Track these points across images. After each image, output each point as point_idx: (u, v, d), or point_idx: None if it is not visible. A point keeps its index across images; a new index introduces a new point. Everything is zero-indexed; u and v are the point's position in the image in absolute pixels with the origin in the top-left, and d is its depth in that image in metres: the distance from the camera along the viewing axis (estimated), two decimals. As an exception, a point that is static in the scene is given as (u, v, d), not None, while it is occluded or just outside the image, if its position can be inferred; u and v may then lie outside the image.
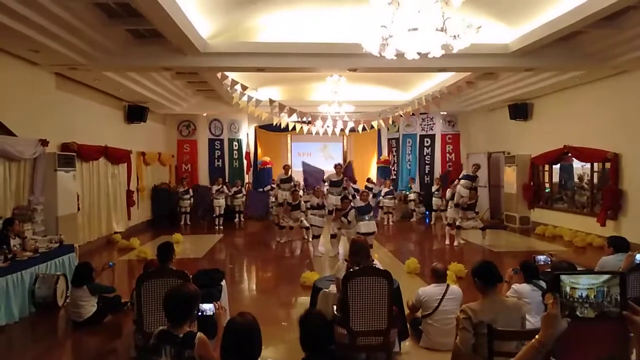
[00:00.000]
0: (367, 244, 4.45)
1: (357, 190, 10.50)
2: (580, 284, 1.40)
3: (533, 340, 1.49)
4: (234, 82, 10.12)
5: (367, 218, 9.07)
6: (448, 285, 4.87)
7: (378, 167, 17.48)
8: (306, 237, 11.14)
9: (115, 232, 11.51)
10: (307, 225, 10.60)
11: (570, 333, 1.40)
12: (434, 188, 14.83)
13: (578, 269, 3.43)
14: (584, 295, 1.40)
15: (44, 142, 8.10)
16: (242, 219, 14.91)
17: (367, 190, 10.08)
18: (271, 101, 11.21)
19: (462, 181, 10.64)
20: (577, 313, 1.40)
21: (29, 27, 6.23)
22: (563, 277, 1.42)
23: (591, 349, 1.29)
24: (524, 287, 4.21)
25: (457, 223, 10.45)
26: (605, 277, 1.41)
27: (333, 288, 4.58)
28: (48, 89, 8.76)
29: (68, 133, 9.32)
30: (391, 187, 14.83)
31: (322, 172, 12.87)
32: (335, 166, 10.81)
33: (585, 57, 8.59)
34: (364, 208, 9.11)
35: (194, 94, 13.41)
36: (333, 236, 9.55)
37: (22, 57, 7.70)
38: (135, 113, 12.53)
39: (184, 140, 16.44)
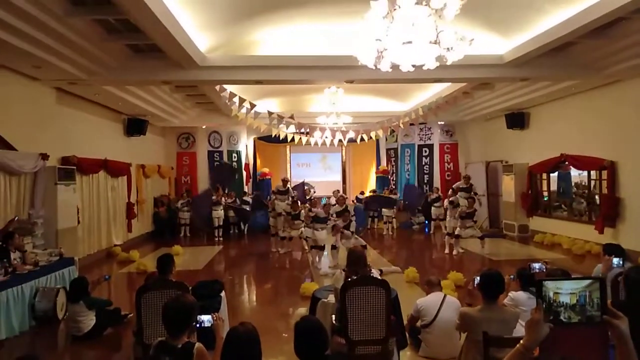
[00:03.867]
0: (364, 254, 4.49)
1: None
2: (563, 289, 1.45)
3: (518, 345, 1.53)
4: (233, 95, 10.22)
5: (320, 229, 9.70)
6: (445, 295, 4.92)
7: (377, 177, 17.55)
8: (306, 248, 11.16)
9: (115, 245, 11.53)
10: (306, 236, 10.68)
11: (553, 337, 1.45)
12: (434, 196, 14.93)
13: (572, 276, 3.49)
14: (567, 300, 1.45)
15: (45, 156, 8.16)
16: (237, 230, 14.98)
17: (343, 197, 10.57)
18: (271, 119, 11.36)
19: (460, 192, 10.76)
20: (561, 318, 1.45)
21: (30, 44, 6.34)
22: (546, 282, 1.47)
23: (572, 353, 1.33)
24: (521, 295, 4.26)
25: (456, 232, 10.50)
26: (587, 282, 1.45)
27: (332, 298, 4.60)
28: (48, 103, 8.86)
29: (68, 147, 9.40)
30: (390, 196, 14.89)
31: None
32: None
33: (578, 67, 8.69)
34: (321, 219, 9.75)
35: (193, 107, 13.52)
36: (334, 247, 9.65)
37: (23, 72, 7.80)
38: (135, 126, 12.62)
39: (184, 152, 16.52)
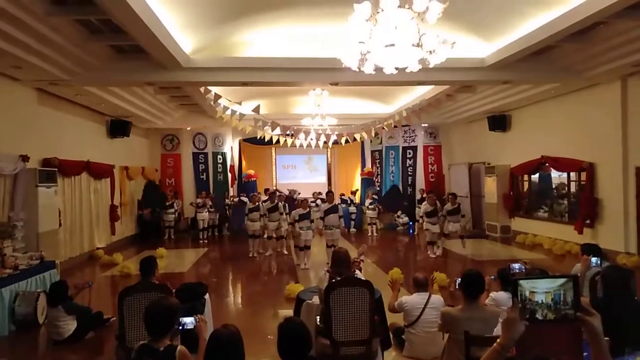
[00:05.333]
0: (349, 255, 4.51)
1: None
2: (538, 288, 1.49)
3: (495, 344, 1.56)
4: (217, 97, 10.18)
5: (305, 228, 9.69)
6: (430, 295, 4.96)
7: (362, 179, 17.64)
8: (295, 257, 10.93)
9: (98, 248, 11.38)
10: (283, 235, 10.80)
11: (529, 336, 1.48)
12: (418, 197, 15.11)
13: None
14: (542, 299, 1.48)
15: (25, 158, 8.03)
16: (219, 233, 14.98)
17: (305, 200, 10.54)
18: (256, 120, 11.31)
19: (449, 216, 10.70)
20: (537, 316, 1.48)
21: (11, 44, 6.24)
22: (522, 282, 1.50)
23: (547, 350, 1.37)
24: (501, 295, 4.32)
25: (441, 232, 10.61)
26: (562, 280, 1.49)
27: (316, 299, 4.61)
28: (29, 104, 8.71)
29: (49, 148, 9.25)
30: (374, 198, 14.96)
31: None
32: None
33: (558, 70, 8.88)
34: (304, 215, 9.79)
35: (177, 108, 13.43)
36: (307, 247, 9.82)
37: (3, 72, 7.66)
38: (118, 127, 12.48)
39: (168, 154, 16.38)
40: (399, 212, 15.68)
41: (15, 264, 6.55)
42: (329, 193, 10.50)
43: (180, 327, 2.89)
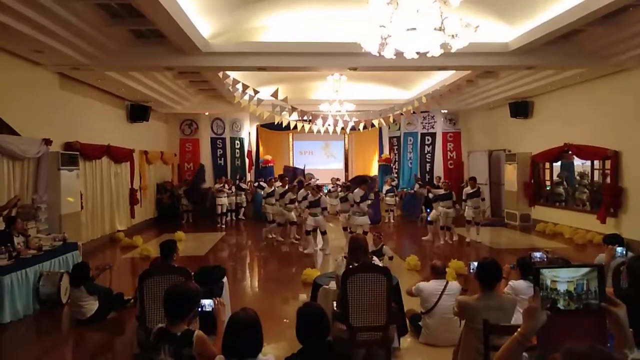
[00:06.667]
0: (366, 241, 4.50)
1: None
2: (561, 278, 1.45)
3: (515, 333, 1.54)
4: (235, 82, 10.17)
5: (317, 214, 9.81)
6: (447, 282, 4.94)
7: (379, 165, 17.53)
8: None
9: (119, 230, 11.60)
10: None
11: (551, 325, 1.45)
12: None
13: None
14: (565, 288, 1.45)
15: (48, 142, 8.18)
16: (235, 218, 15.03)
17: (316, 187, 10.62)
18: (273, 106, 11.29)
19: (468, 200, 10.68)
20: (558, 306, 1.45)
21: (32, 28, 6.31)
22: (544, 271, 1.47)
23: (571, 341, 1.34)
24: (521, 284, 4.27)
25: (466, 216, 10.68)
26: (585, 270, 1.45)
27: (333, 285, 4.63)
28: (51, 88, 8.84)
29: (71, 132, 9.41)
30: (392, 185, 14.88)
31: None
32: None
33: (585, 55, 8.60)
34: (314, 202, 9.90)
35: (196, 93, 13.48)
36: (345, 229, 9.96)
37: (25, 57, 7.78)
38: (138, 112, 12.61)
39: (186, 139, 16.52)
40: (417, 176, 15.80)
41: (39, 245, 6.72)
42: (363, 179, 10.66)
43: (200, 309, 2.93)
